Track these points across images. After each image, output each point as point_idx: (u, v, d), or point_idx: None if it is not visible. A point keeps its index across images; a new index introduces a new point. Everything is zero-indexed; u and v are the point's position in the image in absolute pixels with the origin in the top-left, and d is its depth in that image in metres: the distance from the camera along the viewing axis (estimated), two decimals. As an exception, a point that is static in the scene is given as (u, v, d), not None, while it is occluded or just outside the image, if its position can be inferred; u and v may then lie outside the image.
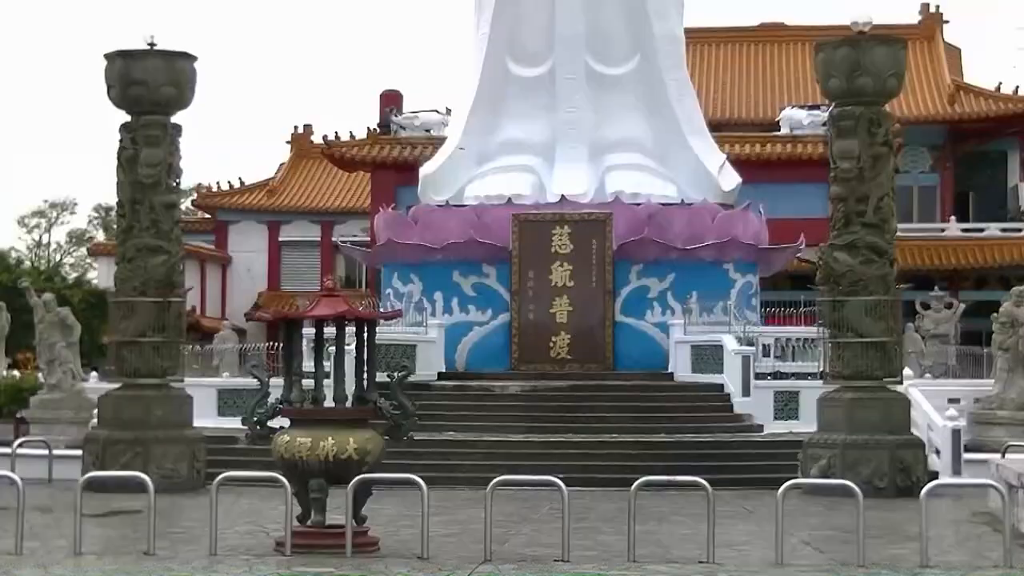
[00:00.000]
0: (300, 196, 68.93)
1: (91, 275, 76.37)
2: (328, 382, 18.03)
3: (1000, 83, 63.70)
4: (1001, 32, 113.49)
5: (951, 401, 32.50)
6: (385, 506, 21.35)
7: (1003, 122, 62.16)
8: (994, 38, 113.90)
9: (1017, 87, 63.21)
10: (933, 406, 30.66)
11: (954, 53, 69.56)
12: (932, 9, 69.81)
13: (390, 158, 55.18)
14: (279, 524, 17.95)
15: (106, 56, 28.61)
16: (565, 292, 38.29)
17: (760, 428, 32.81)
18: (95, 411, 30.24)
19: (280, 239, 68.15)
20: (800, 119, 54.25)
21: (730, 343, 34.83)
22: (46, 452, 29.36)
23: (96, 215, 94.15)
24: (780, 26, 70.52)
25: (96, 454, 27.42)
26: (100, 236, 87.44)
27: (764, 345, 36.23)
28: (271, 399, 17.89)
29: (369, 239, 49.70)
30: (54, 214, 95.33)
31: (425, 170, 41.72)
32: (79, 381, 36.67)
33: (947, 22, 69.87)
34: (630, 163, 40.53)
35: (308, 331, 20.16)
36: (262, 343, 40.72)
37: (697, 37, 63.25)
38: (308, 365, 18.83)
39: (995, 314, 34.81)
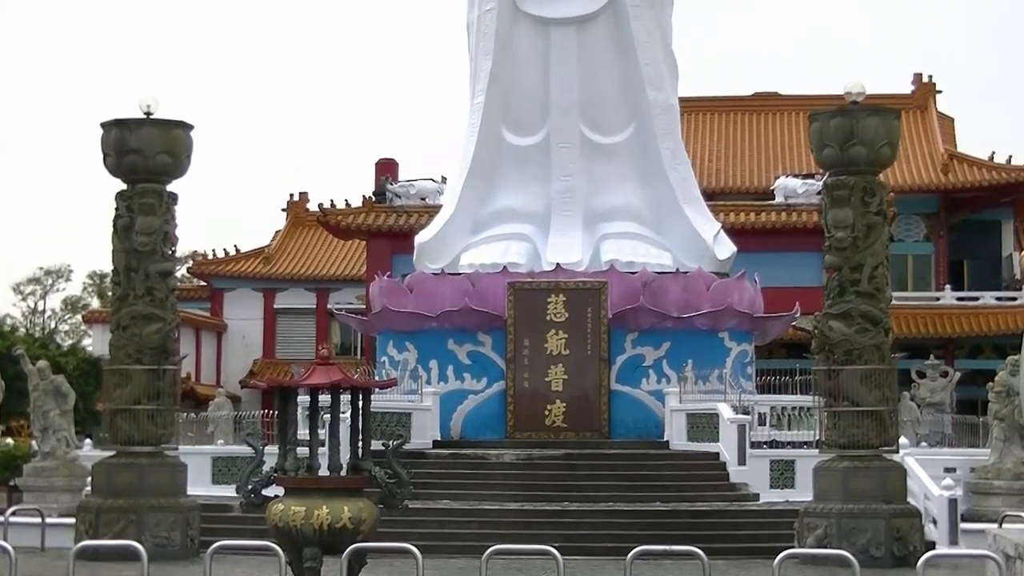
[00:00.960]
0: (295, 264, 69.01)
1: (86, 342, 76.27)
2: (323, 450, 18.01)
3: (993, 152, 64.03)
4: (994, 102, 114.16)
5: (947, 470, 32.43)
6: (379, 575, 21.25)
7: (996, 191, 62.43)
8: (987, 108, 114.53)
9: (1010, 157, 63.51)
10: (929, 475, 30.58)
11: (947, 122, 69.99)
12: (925, 79, 70.29)
13: (385, 226, 55.31)
14: (273, 593, 17.86)
15: (102, 125, 28.72)
16: (560, 360, 38.26)
17: (756, 497, 32.70)
18: (89, 479, 30.12)
19: (275, 306, 68.16)
20: (794, 188, 54.44)
21: (726, 411, 34.77)
22: (39, 520, 29.24)
23: (91, 282, 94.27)
24: (774, 95, 70.94)
25: (89, 522, 27.31)
26: (95, 303, 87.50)
27: (760, 414, 36.16)
28: (266, 467, 17.85)
29: (364, 307, 49.72)
30: (49, 281, 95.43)
31: (420, 238, 41.81)
32: (73, 449, 36.56)
33: (940, 92, 70.34)
34: (625, 232, 40.63)
35: (303, 399, 20.15)
36: (257, 411, 40.63)
37: (692, 106, 63.59)
38: (303, 433, 18.81)
39: (991, 383, 34.81)
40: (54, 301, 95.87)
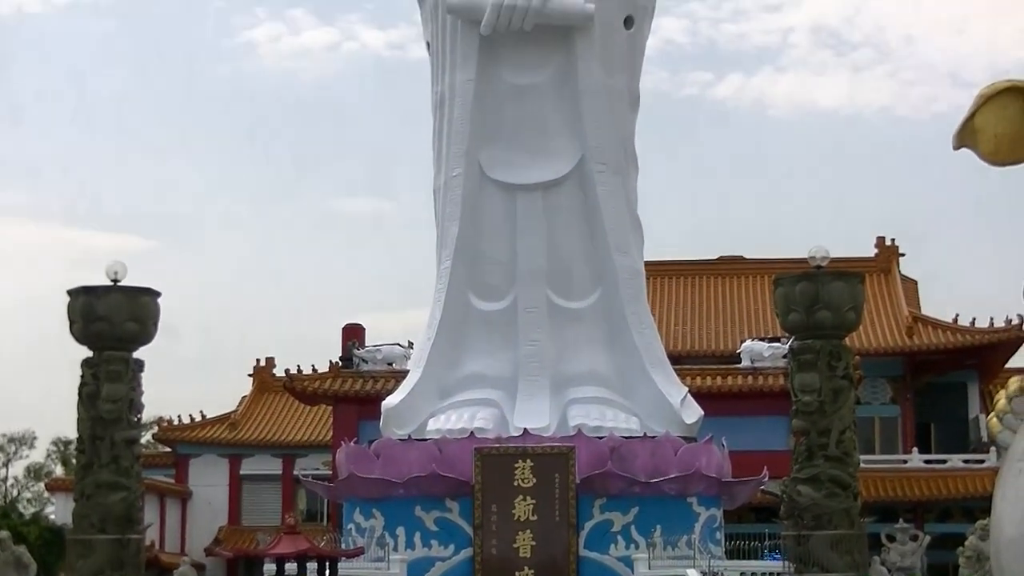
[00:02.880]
0: (262, 429, 68.72)
1: (48, 510, 75.50)
2: (289, 622, 17.79)
3: (957, 315, 64.51)
4: (957, 264, 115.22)
5: (919, 636, 32.17)
6: None
7: (961, 354, 62.77)
8: (950, 270, 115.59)
9: (974, 319, 63.96)
10: (901, 641, 30.34)
11: (910, 285, 70.60)
12: (888, 242, 71.04)
13: (352, 392, 55.21)
14: None
15: (69, 292, 28.74)
16: (528, 526, 37.96)
17: (727, 665, 32.35)
18: (49, 652, 29.63)
19: (241, 472, 67.73)
20: (761, 351, 54.68)
21: (695, 577, 34.52)
22: None
23: (55, 448, 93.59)
24: (739, 259, 71.53)
25: None
26: (59, 470, 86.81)
27: (729, 579, 35.92)
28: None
29: (331, 473, 49.44)
30: (12, 448, 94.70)
31: (387, 404, 41.65)
32: (32, 622, 35.93)
33: (903, 255, 71.05)
34: (592, 396, 40.59)
35: (269, 568, 19.94)
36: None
37: (657, 270, 64.05)
38: (268, 604, 18.58)
39: (961, 548, 34.67)
40: (17, 468, 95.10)
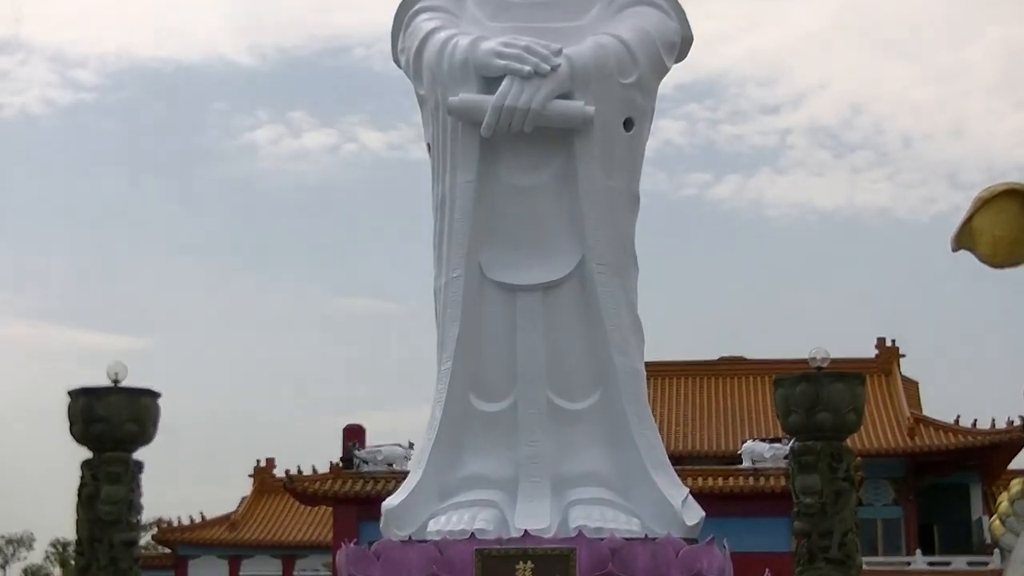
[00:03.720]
0: (261, 530, 68.67)
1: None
2: None
3: (958, 416, 64.55)
4: (957, 364, 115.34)
5: None
6: None
7: (963, 455, 62.88)
8: (951, 370, 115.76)
9: (975, 420, 63.98)
10: None
11: (912, 386, 70.79)
12: (888, 343, 71.31)
13: (352, 492, 55.16)
14: None
15: (70, 393, 28.80)
16: (529, 628, 37.71)
17: None
18: None
19: (241, 574, 67.66)
20: (762, 452, 54.71)
21: None
22: None
23: (54, 550, 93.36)
24: (740, 360, 71.80)
25: None
26: (57, 572, 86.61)
27: None
28: None
29: (331, 574, 49.20)
30: (11, 550, 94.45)
31: (387, 504, 41.46)
32: None
33: (904, 356, 71.30)
34: (593, 497, 40.41)
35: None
36: None
37: (658, 370, 64.20)
38: None
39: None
40: (15, 570, 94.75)
